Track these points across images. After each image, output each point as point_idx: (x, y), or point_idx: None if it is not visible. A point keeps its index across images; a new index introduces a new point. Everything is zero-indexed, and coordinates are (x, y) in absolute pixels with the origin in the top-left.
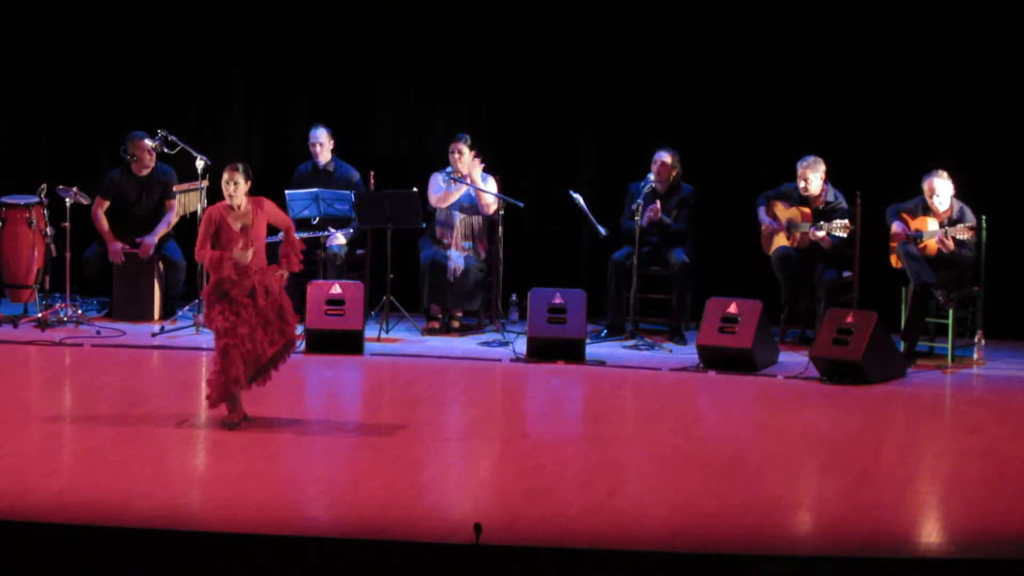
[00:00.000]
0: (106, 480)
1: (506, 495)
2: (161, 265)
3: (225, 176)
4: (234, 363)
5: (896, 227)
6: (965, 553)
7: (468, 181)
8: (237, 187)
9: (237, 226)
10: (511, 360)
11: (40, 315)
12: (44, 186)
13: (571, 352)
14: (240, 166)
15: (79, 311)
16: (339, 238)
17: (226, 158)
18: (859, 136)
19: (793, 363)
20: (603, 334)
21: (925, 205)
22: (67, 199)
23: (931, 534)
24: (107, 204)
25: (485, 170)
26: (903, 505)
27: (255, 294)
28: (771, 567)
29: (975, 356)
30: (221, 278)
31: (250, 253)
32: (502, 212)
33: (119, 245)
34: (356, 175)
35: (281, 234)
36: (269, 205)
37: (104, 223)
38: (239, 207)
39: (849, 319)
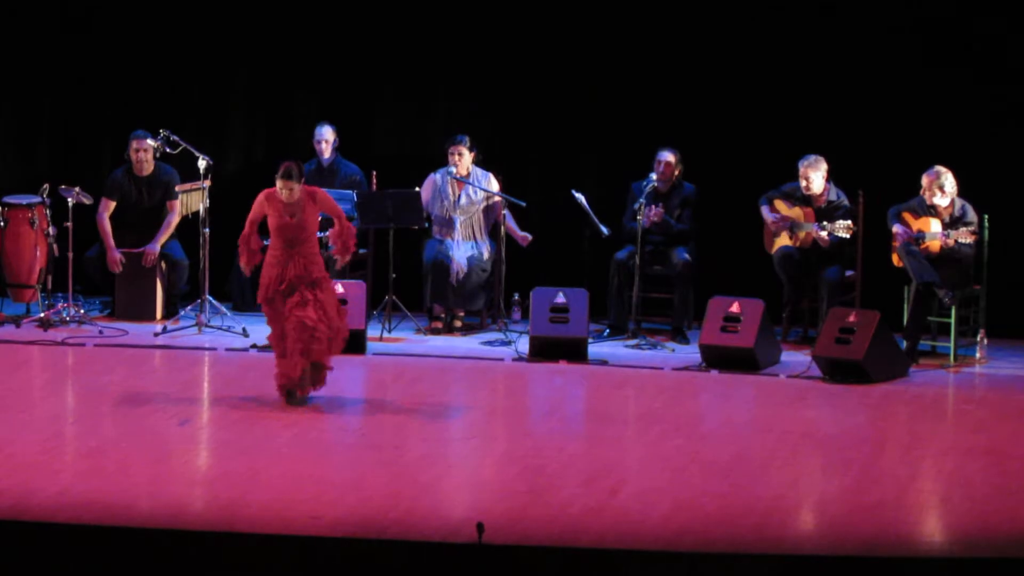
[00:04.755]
0: (108, 480)
1: (508, 494)
2: (164, 265)
3: (279, 185)
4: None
5: (897, 229)
6: (968, 552)
7: (470, 181)
8: (292, 192)
9: (287, 214)
10: (513, 359)
11: (43, 315)
12: (46, 186)
13: (573, 351)
14: (294, 171)
15: (81, 311)
16: None
17: (229, 158)
18: (861, 135)
19: (795, 362)
20: (605, 333)
21: (927, 204)
22: (69, 199)
23: (934, 533)
24: (113, 205)
25: (487, 168)
26: (905, 504)
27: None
28: (774, 566)
29: (977, 355)
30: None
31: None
32: (505, 212)
33: (119, 255)
34: (359, 174)
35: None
36: (322, 195)
37: (108, 228)
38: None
39: (851, 318)
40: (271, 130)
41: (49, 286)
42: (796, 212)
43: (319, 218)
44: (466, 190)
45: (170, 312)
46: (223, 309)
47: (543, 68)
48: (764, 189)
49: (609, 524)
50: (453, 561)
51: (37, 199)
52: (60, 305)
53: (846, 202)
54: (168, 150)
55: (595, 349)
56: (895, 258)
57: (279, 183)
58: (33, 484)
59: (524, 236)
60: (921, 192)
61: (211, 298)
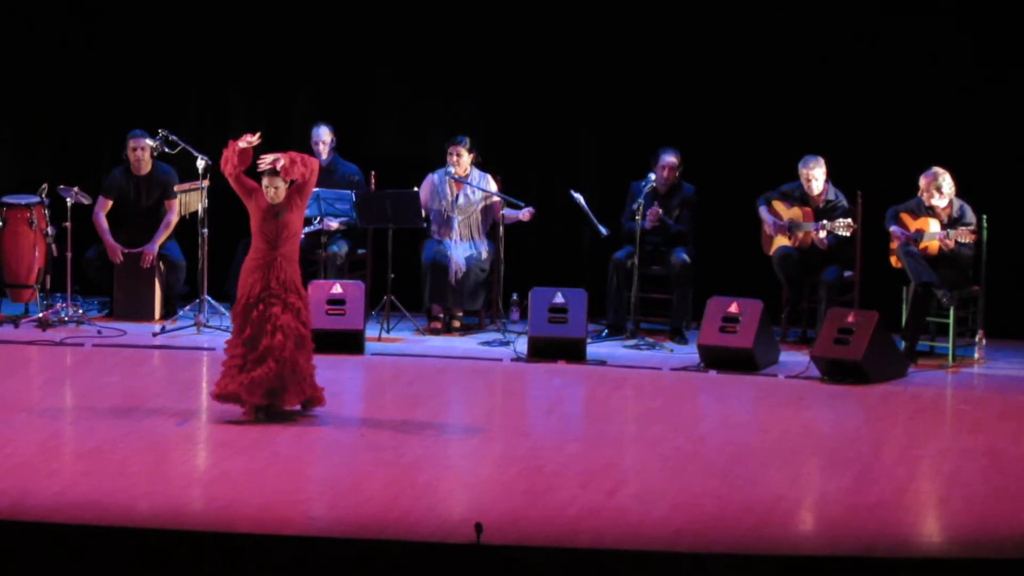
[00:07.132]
0: (107, 480)
1: (507, 495)
2: (162, 265)
3: (264, 183)
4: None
5: (894, 231)
6: (966, 553)
7: (469, 181)
8: (278, 191)
9: (271, 212)
10: (512, 360)
11: (41, 315)
12: (45, 186)
13: (572, 352)
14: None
15: (80, 311)
16: (333, 224)
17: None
18: (860, 135)
19: (794, 363)
20: (604, 334)
21: (925, 205)
22: (68, 199)
23: (932, 534)
24: (110, 204)
25: (485, 170)
26: (904, 505)
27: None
28: (772, 567)
29: (976, 355)
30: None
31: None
32: (504, 212)
33: (118, 245)
34: (358, 174)
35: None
36: (296, 187)
37: (105, 225)
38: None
39: (850, 319)
40: (270, 130)
41: (48, 286)
42: (795, 212)
43: (303, 219)
44: (464, 190)
45: (168, 312)
46: (221, 309)
47: (543, 69)
48: (764, 189)
49: (607, 524)
50: (452, 561)
51: (36, 199)
52: (59, 305)
53: (844, 202)
54: (167, 150)
55: (594, 349)
56: (893, 260)
57: (264, 180)
58: (32, 484)
59: (526, 211)
60: (919, 193)
61: (209, 298)
